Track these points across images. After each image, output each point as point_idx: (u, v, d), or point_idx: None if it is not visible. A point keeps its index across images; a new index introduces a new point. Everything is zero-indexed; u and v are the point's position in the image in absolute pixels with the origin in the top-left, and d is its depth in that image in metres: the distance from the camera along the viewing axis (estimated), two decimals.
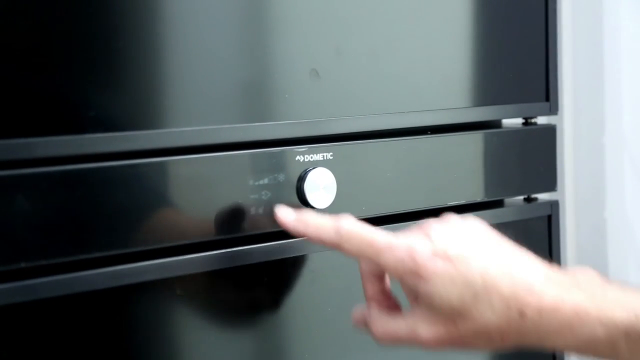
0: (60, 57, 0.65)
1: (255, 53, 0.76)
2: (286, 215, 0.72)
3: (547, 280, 0.66)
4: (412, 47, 0.85)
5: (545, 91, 0.96)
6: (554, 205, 0.98)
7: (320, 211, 0.77)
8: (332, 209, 0.78)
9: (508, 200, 0.96)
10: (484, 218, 0.91)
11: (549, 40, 0.95)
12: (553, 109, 0.96)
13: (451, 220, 0.71)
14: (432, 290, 0.66)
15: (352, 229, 0.69)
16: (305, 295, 0.78)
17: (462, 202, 0.89)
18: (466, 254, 0.67)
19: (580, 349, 0.65)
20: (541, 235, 0.97)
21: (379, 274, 0.72)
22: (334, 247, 0.70)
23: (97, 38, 0.67)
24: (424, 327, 0.67)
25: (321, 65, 0.78)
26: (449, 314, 0.66)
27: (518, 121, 0.97)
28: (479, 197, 0.91)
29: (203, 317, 0.73)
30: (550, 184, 0.97)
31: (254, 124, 0.75)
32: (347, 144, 0.80)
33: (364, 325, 0.71)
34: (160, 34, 0.71)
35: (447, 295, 0.66)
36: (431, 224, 0.70)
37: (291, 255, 0.77)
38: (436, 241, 0.67)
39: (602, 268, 1.22)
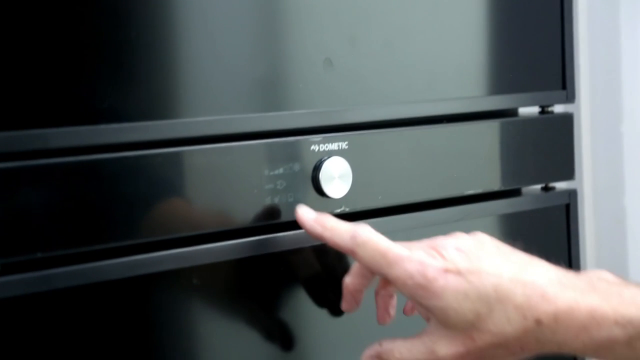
0: (75, 48, 0.65)
1: (270, 42, 0.76)
2: (306, 214, 0.73)
3: (560, 284, 0.65)
4: (427, 35, 0.85)
5: (562, 79, 0.95)
6: (572, 194, 0.97)
7: (336, 201, 0.77)
8: (348, 199, 0.78)
9: (525, 189, 0.96)
10: (501, 207, 0.92)
11: (565, 27, 0.95)
12: (570, 97, 0.96)
13: (459, 235, 0.71)
14: (445, 306, 0.66)
15: (369, 237, 0.69)
16: (320, 285, 0.78)
17: (479, 191, 0.89)
18: (477, 267, 0.66)
19: (598, 352, 0.65)
20: (559, 224, 0.97)
21: (368, 273, 0.72)
22: (348, 253, 0.70)
23: (111, 28, 0.67)
24: (442, 346, 0.67)
25: (335, 55, 0.78)
26: (466, 329, 0.66)
27: (535, 110, 0.96)
28: (496, 186, 0.90)
29: (219, 307, 0.73)
30: (568, 172, 0.97)
31: (268, 114, 0.74)
32: (363, 133, 0.80)
33: None
34: (175, 24, 0.71)
35: (462, 310, 0.65)
36: (440, 240, 0.69)
37: (307, 245, 0.77)
38: (447, 256, 0.67)
39: (621, 256, 1.21)
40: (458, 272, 0.66)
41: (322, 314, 0.78)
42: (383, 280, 0.74)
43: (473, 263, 0.67)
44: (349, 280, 0.73)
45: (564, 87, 0.95)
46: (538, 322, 0.65)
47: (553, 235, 0.97)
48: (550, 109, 0.96)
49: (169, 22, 0.70)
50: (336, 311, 0.78)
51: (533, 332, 0.65)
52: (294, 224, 0.75)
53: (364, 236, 0.69)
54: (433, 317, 0.67)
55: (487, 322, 0.65)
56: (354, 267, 0.73)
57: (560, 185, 0.98)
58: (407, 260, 0.67)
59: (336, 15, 0.78)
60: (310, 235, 0.72)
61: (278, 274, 0.76)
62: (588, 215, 1.23)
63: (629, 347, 0.64)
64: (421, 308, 0.69)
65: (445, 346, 0.67)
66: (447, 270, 0.66)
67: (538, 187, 0.97)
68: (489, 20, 0.90)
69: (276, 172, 0.74)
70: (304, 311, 0.78)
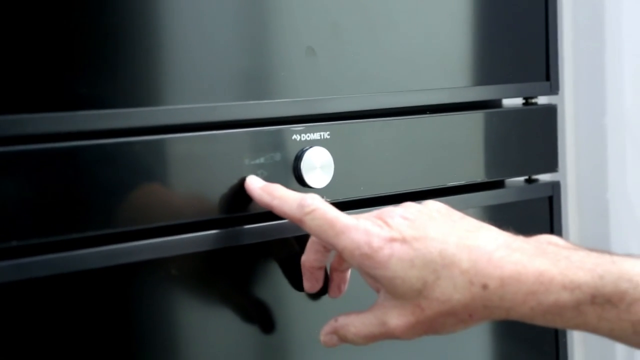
0: (53, 32, 0.64)
1: (252, 30, 0.75)
2: (254, 182, 0.72)
3: (508, 248, 0.64)
4: (411, 24, 0.84)
5: (545, 70, 0.95)
6: (556, 186, 0.97)
7: (318, 191, 0.77)
8: (330, 189, 0.77)
9: (509, 181, 0.95)
10: (484, 199, 0.91)
11: (549, 18, 0.94)
12: (554, 89, 0.95)
13: (407, 204, 0.70)
14: (392, 276, 0.65)
15: (317, 205, 0.68)
16: (300, 276, 0.77)
17: (462, 182, 0.89)
18: (423, 234, 0.66)
19: (547, 317, 0.64)
20: (543, 217, 0.96)
21: (328, 249, 0.72)
22: (295, 222, 0.69)
23: (92, 13, 0.66)
24: (392, 317, 0.66)
25: (317, 43, 0.77)
26: (414, 298, 0.65)
27: (518, 101, 0.96)
28: (479, 177, 0.90)
29: (198, 297, 0.73)
30: (552, 164, 0.97)
31: (250, 102, 0.74)
32: (345, 123, 0.79)
33: (336, 337, 0.70)
34: (156, 10, 0.70)
35: (409, 278, 0.65)
36: (387, 209, 0.69)
37: (288, 236, 0.76)
38: (393, 225, 0.66)
39: (604, 249, 1.21)
40: (403, 240, 0.65)
41: (303, 305, 0.77)
42: (339, 256, 0.73)
43: (419, 230, 0.66)
44: (304, 258, 0.73)
45: (547, 78, 0.95)
46: (484, 287, 0.63)
47: (536, 228, 0.96)
48: (533, 100, 0.95)
49: (151, 9, 0.70)
50: (316, 298, 0.77)
51: (480, 297, 0.64)
52: (275, 215, 0.75)
53: (312, 205, 0.68)
54: (382, 288, 0.67)
55: (434, 289, 0.64)
56: (308, 244, 0.73)
57: (544, 177, 0.98)
58: (353, 230, 0.66)
59: (319, 3, 0.77)
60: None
61: (258, 264, 0.75)
62: (571, 208, 1.23)
63: (577, 312, 0.63)
64: (370, 279, 0.68)
65: (396, 317, 0.66)
66: (392, 239, 0.65)
67: (521, 179, 0.96)
68: (473, 10, 0.90)
69: (257, 161, 0.73)
70: (284, 300, 0.77)
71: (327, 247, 0.71)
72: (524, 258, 0.64)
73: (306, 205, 0.68)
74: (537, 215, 0.96)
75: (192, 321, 0.72)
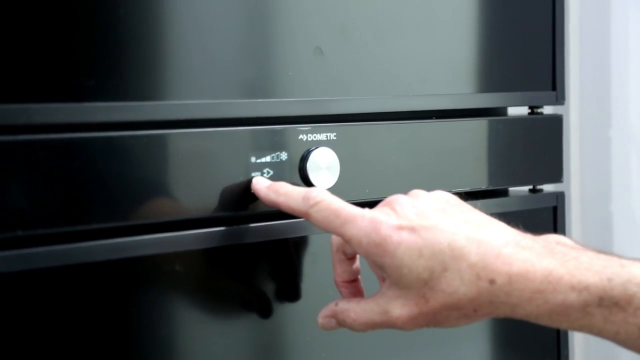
0: (62, 23, 0.64)
1: (260, 27, 0.75)
2: (260, 182, 0.72)
3: (517, 245, 0.64)
4: (419, 29, 0.84)
5: (552, 80, 0.95)
6: (560, 197, 0.97)
7: None
8: (335, 190, 0.77)
9: (513, 190, 0.95)
10: (488, 207, 0.90)
11: (556, 28, 0.95)
12: (560, 99, 0.95)
13: (417, 193, 0.69)
14: (398, 264, 0.64)
15: (321, 197, 0.67)
16: (304, 276, 0.77)
17: (467, 189, 0.88)
18: (432, 224, 0.65)
19: (552, 317, 0.63)
20: (546, 227, 0.96)
21: (350, 255, 0.71)
22: (302, 216, 0.68)
23: (99, 4, 0.66)
24: (395, 307, 0.65)
25: (326, 44, 0.77)
26: (419, 288, 0.64)
27: (524, 110, 0.96)
28: (483, 185, 0.90)
29: (201, 294, 0.72)
30: (556, 175, 0.96)
31: (257, 100, 0.74)
32: (352, 125, 0.79)
33: (335, 321, 0.69)
34: (164, 4, 0.70)
35: (416, 268, 0.64)
36: (396, 197, 0.68)
37: (292, 236, 0.76)
38: (401, 213, 0.66)
39: None
40: (412, 229, 0.65)
41: (306, 304, 0.77)
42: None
43: (428, 220, 0.65)
44: (334, 275, 0.72)
45: (553, 88, 0.95)
46: (492, 282, 0.63)
47: None
48: (539, 110, 0.95)
49: (161, 3, 0.70)
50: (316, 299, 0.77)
51: (487, 292, 0.63)
52: (280, 214, 0.74)
53: (317, 197, 0.67)
54: (388, 277, 0.66)
55: (440, 281, 0.63)
56: (332, 259, 0.72)
57: (548, 187, 0.98)
58: (360, 218, 0.66)
59: (328, 3, 0.78)
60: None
61: (261, 263, 0.75)
62: (575, 220, 1.23)
63: (583, 313, 0.63)
64: (376, 268, 0.68)
65: (399, 307, 0.65)
66: (400, 227, 0.65)
67: (526, 188, 0.96)
68: (481, 18, 0.90)
69: (263, 159, 0.73)
70: (287, 302, 0.77)
71: (346, 251, 0.71)
72: (533, 256, 0.63)
73: (311, 198, 0.67)
74: (541, 225, 0.96)
75: (194, 317, 0.72)
